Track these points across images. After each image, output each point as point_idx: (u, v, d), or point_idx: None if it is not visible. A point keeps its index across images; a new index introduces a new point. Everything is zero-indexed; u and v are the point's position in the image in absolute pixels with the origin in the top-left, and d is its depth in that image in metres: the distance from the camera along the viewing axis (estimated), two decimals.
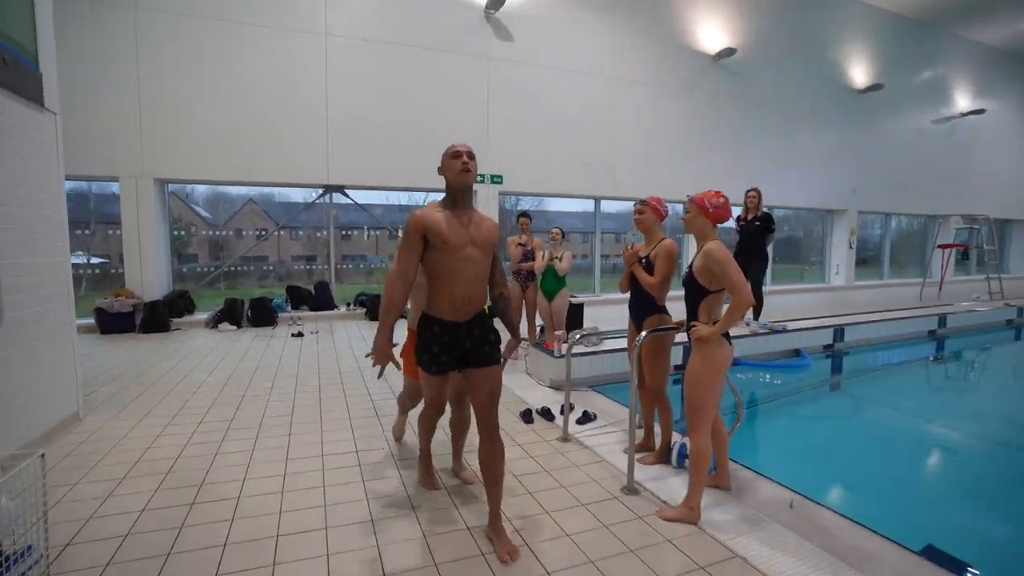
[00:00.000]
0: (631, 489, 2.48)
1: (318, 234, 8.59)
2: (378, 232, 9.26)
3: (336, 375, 4.64)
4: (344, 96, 7.60)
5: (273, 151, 7.34)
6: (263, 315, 7.35)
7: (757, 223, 5.25)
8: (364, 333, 6.78)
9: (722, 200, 2.33)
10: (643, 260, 2.75)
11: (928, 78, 13.98)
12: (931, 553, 2.14)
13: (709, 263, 2.21)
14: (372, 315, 7.86)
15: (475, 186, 7.88)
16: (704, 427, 2.26)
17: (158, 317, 6.85)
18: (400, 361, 2.22)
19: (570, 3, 8.90)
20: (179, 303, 7.35)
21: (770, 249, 5.46)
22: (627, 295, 2.92)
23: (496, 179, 8.44)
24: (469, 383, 2.05)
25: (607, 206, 10.26)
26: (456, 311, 1.99)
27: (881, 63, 12.77)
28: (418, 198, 9.08)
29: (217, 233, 8.39)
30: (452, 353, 2.02)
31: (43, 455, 1.66)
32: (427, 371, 2.08)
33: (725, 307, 2.25)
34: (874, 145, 12.98)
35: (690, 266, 2.34)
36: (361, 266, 9.36)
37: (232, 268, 8.25)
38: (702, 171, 10.15)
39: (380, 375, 1.96)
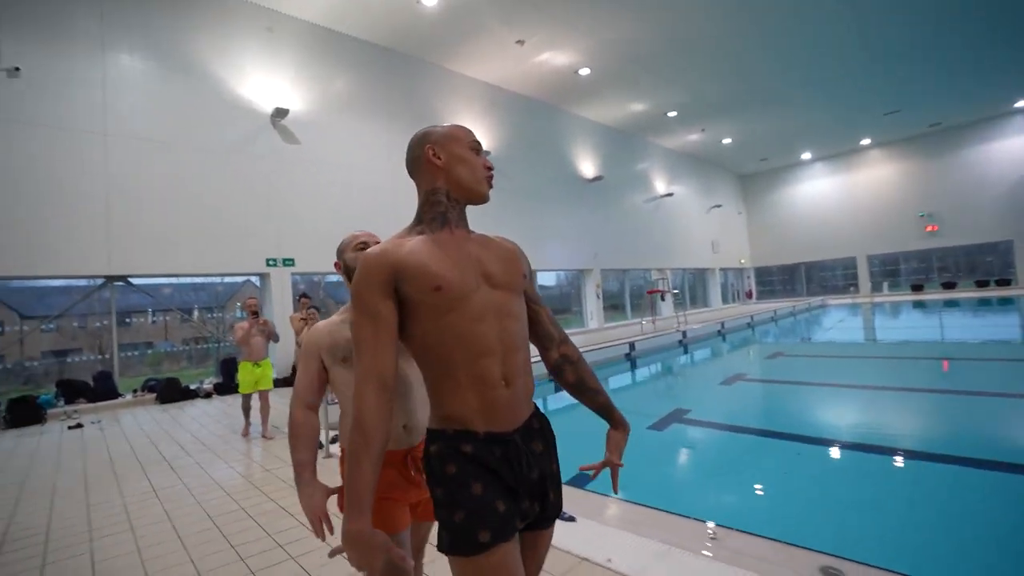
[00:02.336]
0: None
1: (98, 323, 8.41)
2: (166, 316, 9.34)
3: (128, 452, 5.11)
4: (127, 191, 7.94)
5: (49, 242, 7.30)
6: (26, 413, 6.97)
7: None
8: (156, 416, 7.00)
9: None
10: None
11: (636, 170, 19.19)
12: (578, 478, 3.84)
13: None
14: (163, 398, 7.96)
15: (268, 269, 8.96)
16: None
17: None
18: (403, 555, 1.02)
19: (349, 113, 10.66)
20: None
21: None
22: None
23: (288, 262, 9.43)
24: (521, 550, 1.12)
25: None
26: (496, 412, 1.09)
27: (601, 160, 17.27)
28: (215, 279, 9.52)
29: None
30: (513, 493, 1.08)
31: None
32: (473, 549, 0.99)
33: None
34: (606, 219, 17.23)
35: None
36: (149, 352, 9.26)
37: None
38: None
39: None
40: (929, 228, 21.46)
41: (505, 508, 1.04)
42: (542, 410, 1.27)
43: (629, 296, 19.01)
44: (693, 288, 23.28)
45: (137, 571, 2.54)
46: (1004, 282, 20.07)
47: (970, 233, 20.71)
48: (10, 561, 2.74)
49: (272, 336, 5.61)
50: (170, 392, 8.03)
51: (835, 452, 4.40)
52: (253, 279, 9.92)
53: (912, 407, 5.79)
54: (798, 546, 2.37)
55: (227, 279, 10.45)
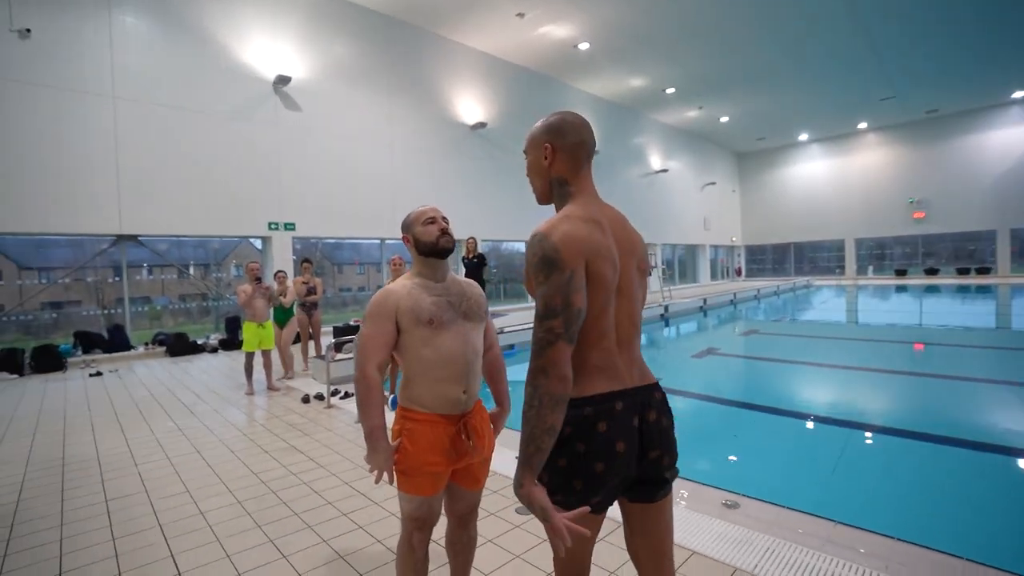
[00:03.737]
0: (359, 420, 4.45)
1: (91, 278, 8.87)
2: (163, 272, 9.83)
3: (149, 397, 5.69)
4: (137, 153, 8.29)
5: (62, 201, 7.70)
6: (49, 361, 7.54)
7: (475, 260, 7.82)
8: (167, 368, 7.57)
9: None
10: None
11: (632, 145, 19.40)
12: None
13: None
14: (173, 351, 8.53)
15: (269, 232, 9.38)
16: None
17: None
18: None
19: (350, 82, 10.88)
20: None
21: (486, 277, 8.10)
22: None
23: (289, 226, 9.87)
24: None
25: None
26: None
27: (598, 134, 17.25)
28: (230, 242, 9.95)
29: None
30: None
31: None
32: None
33: None
34: (601, 193, 17.52)
35: None
36: (143, 308, 9.78)
37: None
38: (469, 214, 12.89)
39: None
40: (916, 215, 21.91)
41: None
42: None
43: None
44: (683, 264, 23.82)
45: (179, 486, 3.14)
46: (984, 270, 20.69)
47: (956, 221, 21.18)
48: (74, 478, 3.33)
49: (273, 300, 6.09)
50: (179, 346, 8.60)
51: (783, 420, 5.01)
52: (255, 241, 10.37)
53: (874, 386, 6.42)
54: (707, 484, 2.97)
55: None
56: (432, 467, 1.58)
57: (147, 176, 8.40)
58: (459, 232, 12.86)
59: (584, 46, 13.49)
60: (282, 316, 6.48)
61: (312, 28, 10.31)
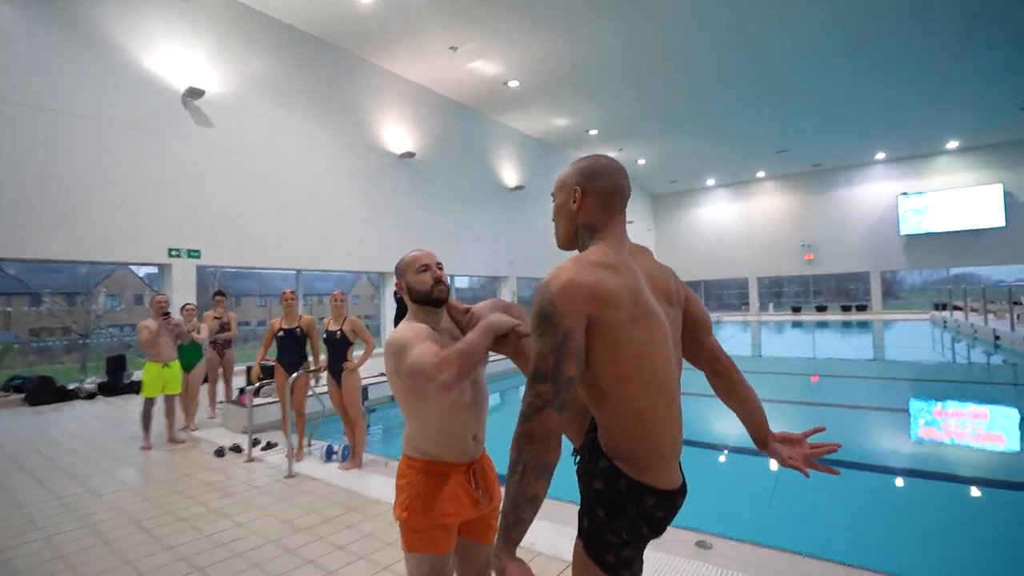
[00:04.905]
0: (290, 475, 3.84)
1: None
2: (8, 304, 8.34)
3: (3, 461, 4.58)
4: (1, 162, 7.03)
5: None
6: None
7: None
8: (27, 420, 6.25)
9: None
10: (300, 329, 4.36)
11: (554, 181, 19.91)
12: None
13: (356, 328, 4.03)
14: (33, 399, 7.09)
15: (170, 259, 8.29)
16: (360, 419, 4.08)
17: None
18: None
19: (270, 101, 10.16)
20: None
21: None
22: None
23: (193, 253, 8.80)
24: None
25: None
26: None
27: (523, 170, 17.81)
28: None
29: None
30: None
31: None
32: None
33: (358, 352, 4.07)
34: (524, 228, 17.76)
35: (340, 331, 4.00)
36: None
37: None
38: (392, 245, 12.29)
39: None
40: (807, 256, 24.41)
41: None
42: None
43: None
44: None
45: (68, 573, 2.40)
46: (862, 307, 23.34)
47: (838, 263, 23.85)
48: None
49: (182, 337, 5.28)
50: (43, 392, 7.17)
51: (714, 454, 5.02)
52: (138, 269, 9.15)
53: (793, 417, 6.70)
54: (676, 527, 2.78)
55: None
56: (447, 519, 1.47)
57: (15, 189, 7.12)
58: (388, 264, 12.25)
59: (514, 83, 13.77)
60: (191, 357, 5.59)
61: (229, 40, 9.56)
